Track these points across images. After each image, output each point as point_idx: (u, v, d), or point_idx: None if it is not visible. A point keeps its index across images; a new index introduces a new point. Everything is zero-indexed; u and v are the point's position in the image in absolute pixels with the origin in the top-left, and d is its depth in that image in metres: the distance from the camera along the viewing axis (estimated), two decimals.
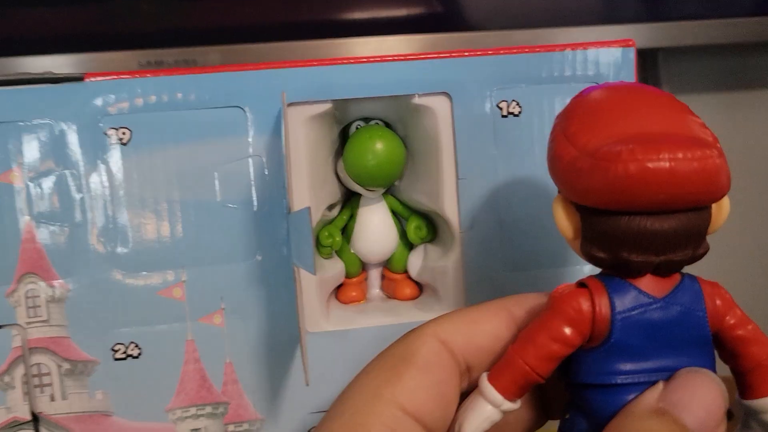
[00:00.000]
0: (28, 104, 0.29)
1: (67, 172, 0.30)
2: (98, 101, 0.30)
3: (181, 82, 0.30)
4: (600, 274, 0.22)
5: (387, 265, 0.35)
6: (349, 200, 0.35)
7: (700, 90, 0.72)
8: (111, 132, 0.30)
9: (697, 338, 0.21)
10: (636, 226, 0.20)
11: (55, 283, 0.30)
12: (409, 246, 0.35)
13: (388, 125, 0.33)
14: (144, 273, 0.30)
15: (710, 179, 0.20)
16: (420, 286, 0.35)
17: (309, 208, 0.26)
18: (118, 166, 0.30)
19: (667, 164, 0.19)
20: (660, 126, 0.21)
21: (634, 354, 0.21)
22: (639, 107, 0.22)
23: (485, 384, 0.22)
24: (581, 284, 0.22)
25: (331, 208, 0.34)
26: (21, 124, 0.29)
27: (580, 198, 0.21)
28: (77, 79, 0.29)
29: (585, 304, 0.21)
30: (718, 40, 0.63)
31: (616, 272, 0.22)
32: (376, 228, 0.34)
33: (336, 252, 0.35)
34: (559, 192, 0.23)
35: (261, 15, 0.56)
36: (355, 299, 0.35)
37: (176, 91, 0.30)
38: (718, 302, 0.22)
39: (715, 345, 0.22)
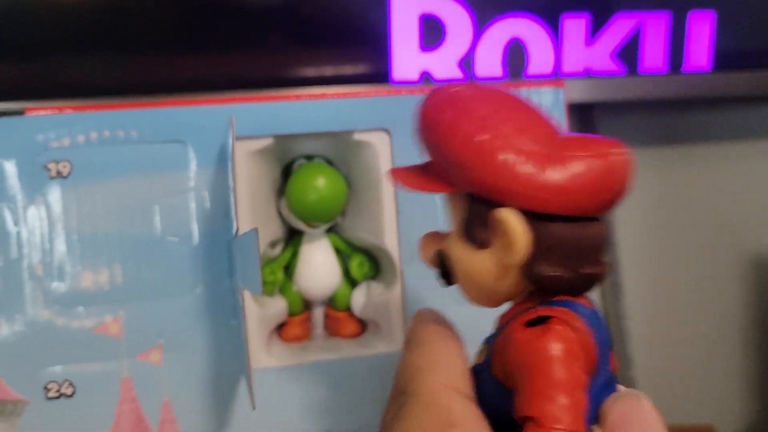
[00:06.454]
0: None
1: (3, 205, 0.29)
2: (39, 135, 0.30)
3: (123, 116, 0.30)
4: (551, 301, 0.19)
5: (330, 303, 0.35)
6: (292, 238, 0.35)
7: (635, 145, 0.75)
8: (51, 165, 0.30)
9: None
10: (593, 233, 0.19)
11: None
12: (352, 284, 0.35)
13: (330, 163, 0.34)
14: (80, 309, 0.30)
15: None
16: (364, 325, 0.35)
17: (256, 229, 0.26)
18: (57, 200, 0.30)
19: (626, 158, 0.19)
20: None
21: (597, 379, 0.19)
22: (535, 112, 0.21)
23: None
24: (542, 318, 0.18)
25: (273, 245, 0.34)
26: None
27: (542, 202, 0.18)
28: (17, 113, 0.30)
29: (579, 337, 0.18)
30: (652, 96, 0.65)
31: (566, 293, 0.19)
32: (318, 265, 0.34)
33: (279, 290, 0.34)
34: (502, 204, 0.19)
35: (220, 69, 0.57)
36: (297, 337, 0.34)
37: (118, 125, 0.30)
38: None
39: None
